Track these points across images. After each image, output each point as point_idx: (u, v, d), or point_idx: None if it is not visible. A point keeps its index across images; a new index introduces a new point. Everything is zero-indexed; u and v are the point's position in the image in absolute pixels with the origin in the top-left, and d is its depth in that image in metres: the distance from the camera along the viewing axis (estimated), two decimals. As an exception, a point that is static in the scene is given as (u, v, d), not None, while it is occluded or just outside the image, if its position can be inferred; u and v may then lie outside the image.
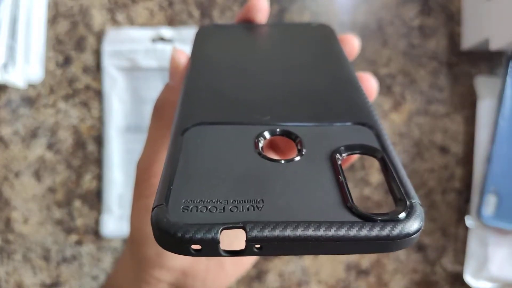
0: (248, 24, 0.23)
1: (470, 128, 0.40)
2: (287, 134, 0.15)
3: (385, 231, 0.11)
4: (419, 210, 0.12)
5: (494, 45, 0.35)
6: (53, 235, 0.40)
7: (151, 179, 0.21)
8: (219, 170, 0.13)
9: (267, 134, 0.15)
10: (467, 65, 0.40)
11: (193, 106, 0.16)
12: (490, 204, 0.37)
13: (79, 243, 0.40)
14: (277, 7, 0.41)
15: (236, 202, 0.12)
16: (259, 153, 0.14)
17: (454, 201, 0.40)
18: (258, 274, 0.40)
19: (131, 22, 0.41)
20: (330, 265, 0.40)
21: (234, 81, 0.18)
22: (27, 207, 0.40)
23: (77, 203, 0.40)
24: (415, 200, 0.12)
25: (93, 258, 0.40)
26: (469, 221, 0.38)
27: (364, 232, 0.11)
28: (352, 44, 0.22)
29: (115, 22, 0.41)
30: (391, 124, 0.40)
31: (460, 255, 0.39)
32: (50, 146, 0.40)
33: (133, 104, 0.40)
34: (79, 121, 0.40)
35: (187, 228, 0.11)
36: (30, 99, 0.40)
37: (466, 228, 0.39)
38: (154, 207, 0.12)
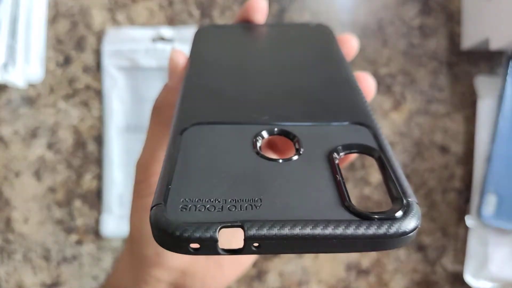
0: (247, 24, 0.23)
1: (470, 127, 0.40)
2: (285, 133, 0.15)
3: (382, 229, 0.11)
4: (416, 209, 0.12)
5: (494, 45, 0.35)
6: (53, 235, 0.40)
7: (150, 179, 0.21)
8: (217, 169, 0.13)
9: (265, 134, 0.15)
10: (467, 64, 0.40)
11: (191, 106, 0.16)
12: (490, 204, 0.37)
13: (79, 243, 0.40)
14: (277, 7, 0.41)
15: (234, 201, 0.12)
16: (257, 153, 0.14)
17: (454, 200, 0.40)
18: (258, 274, 0.40)
19: (131, 21, 0.41)
20: (330, 265, 0.40)
21: (233, 81, 0.18)
22: (27, 207, 0.40)
23: (77, 203, 0.40)
24: (412, 198, 0.12)
25: (93, 258, 0.40)
26: (469, 220, 0.38)
27: (361, 231, 0.11)
28: (350, 44, 0.22)
29: (115, 22, 0.41)
30: (391, 123, 0.40)
31: (460, 255, 0.39)
32: (50, 146, 0.40)
33: (133, 104, 0.40)
34: (79, 121, 0.40)
35: (186, 227, 0.11)
36: (30, 99, 0.40)
37: (466, 228, 0.39)
38: (153, 206, 0.12)
